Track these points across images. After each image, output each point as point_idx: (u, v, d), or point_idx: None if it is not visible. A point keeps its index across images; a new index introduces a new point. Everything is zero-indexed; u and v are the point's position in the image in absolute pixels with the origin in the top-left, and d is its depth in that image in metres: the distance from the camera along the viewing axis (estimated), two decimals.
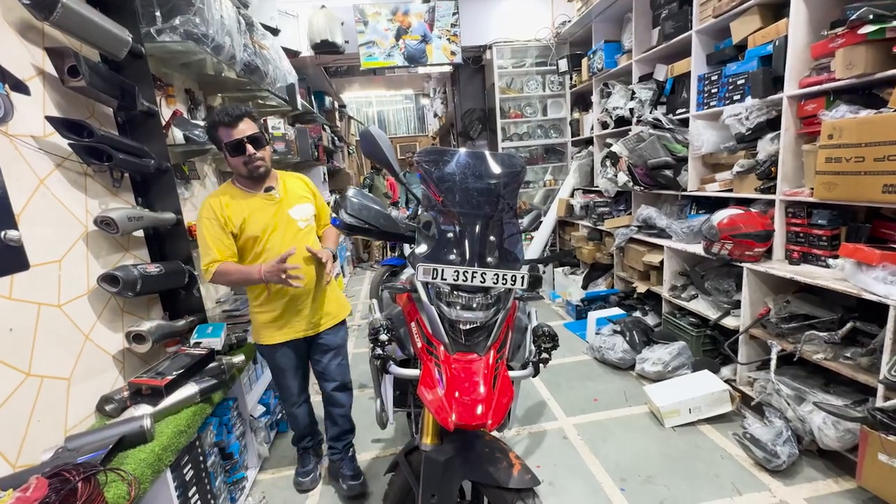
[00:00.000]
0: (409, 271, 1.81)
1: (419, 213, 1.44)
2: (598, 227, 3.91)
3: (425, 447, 1.20)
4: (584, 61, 4.15)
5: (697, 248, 2.62)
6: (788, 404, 2.02)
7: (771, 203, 2.30)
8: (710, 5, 2.57)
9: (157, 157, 1.93)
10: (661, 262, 3.00)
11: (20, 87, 1.40)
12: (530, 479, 1.14)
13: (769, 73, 2.21)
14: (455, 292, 1.21)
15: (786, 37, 2.10)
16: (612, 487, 1.98)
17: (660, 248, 3.02)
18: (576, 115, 4.69)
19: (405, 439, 2.31)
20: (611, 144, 3.57)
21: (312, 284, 1.88)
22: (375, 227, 1.35)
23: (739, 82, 2.43)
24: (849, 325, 1.90)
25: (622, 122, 3.57)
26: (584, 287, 4.07)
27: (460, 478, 1.17)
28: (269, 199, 1.81)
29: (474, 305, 1.20)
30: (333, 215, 1.74)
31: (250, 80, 2.86)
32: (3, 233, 1.28)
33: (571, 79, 4.63)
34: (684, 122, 2.94)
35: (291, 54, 4.20)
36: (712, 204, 2.82)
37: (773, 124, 2.30)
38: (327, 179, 5.46)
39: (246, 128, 1.69)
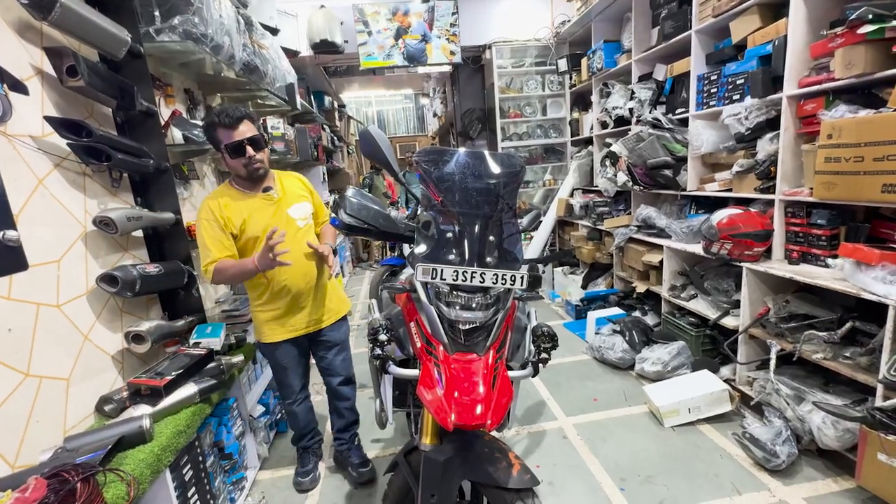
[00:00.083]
0: (408, 271, 1.81)
1: (418, 212, 1.44)
2: (598, 227, 3.91)
3: (425, 447, 1.20)
4: (584, 61, 4.14)
5: (697, 248, 2.62)
6: (788, 404, 2.02)
7: (770, 203, 2.30)
8: (709, 5, 2.57)
9: (155, 157, 1.92)
10: (661, 262, 3.00)
11: (18, 87, 1.40)
12: (530, 478, 1.14)
13: (768, 72, 2.21)
14: (454, 292, 1.21)
15: (785, 36, 2.10)
16: (611, 487, 1.98)
17: (659, 247, 3.02)
18: (575, 114, 4.69)
19: (404, 439, 2.31)
20: (610, 144, 3.57)
21: (314, 281, 1.89)
22: (375, 227, 1.35)
23: (739, 82, 2.43)
24: (848, 325, 1.91)
25: (622, 121, 3.57)
26: (584, 287, 4.07)
27: (460, 478, 1.17)
28: (267, 199, 1.82)
29: (473, 305, 1.20)
30: (333, 215, 1.74)
31: (249, 79, 2.86)
32: (1, 233, 1.27)
33: (571, 78, 4.63)
34: (684, 122, 2.94)
35: (291, 54, 4.20)
36: (712, 204, 2.82)
37: (772, 124, 2.30)
38: (326, 179, 5.45)
39: (246, 129, 1.69)
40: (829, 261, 2.04)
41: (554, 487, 2.00)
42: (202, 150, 2.42)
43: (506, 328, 1.26)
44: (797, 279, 2.02)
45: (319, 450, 2.27)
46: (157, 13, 1.96)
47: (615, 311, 3.43)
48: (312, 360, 2.11)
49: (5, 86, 1.36)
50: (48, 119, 1.53)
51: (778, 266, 2.19)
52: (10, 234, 1.30)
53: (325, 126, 5.46)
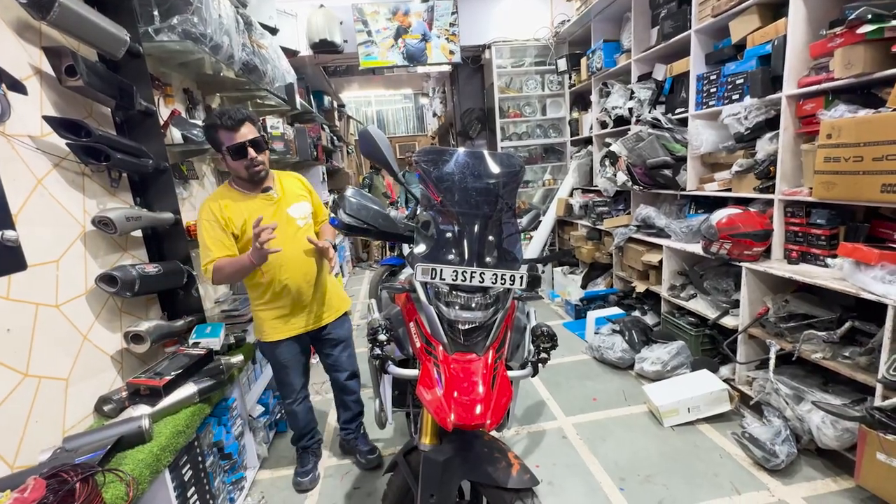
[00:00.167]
0: (407, 271, 1.81)
1: (418, 212, 1.44)
2: (597, 227, 3.91)
3: (424, 447, 1.20)
4: (583, 61, 4.14)
5: (696, 248, 2.62)
6: (787, 403, 2.02)
7: (770, 202, 2.30)
8: (708, 5, 2.57)
9: (155, 157, 1.92)
10: (660, 262, 3.00)
11: (17, 87, 1.40)
12: (529, 478, 1.14)
13: (768, 72, 2.21)
14: (454, 292, 1.20)
15: (784, 36, 2.10)
16: (611, 487, 1.98)
17: (659, 247, 3.02)
18: (575, 114, 4.69)
19: (404, 439, 2.31)
20: (610, 144, 3.57)
21: (314, 279, 1.91)
22: (374, 226, 1.34)
23: (738, 82, 2.43)
24: (847, 325, 1.91)
25: (621, 121, 3.57)
26: (584, 286, 4.07)
27: (459, 478, 1.17)
28: (267, 199, 1.82)
29: (473, 305, 1.20)
30: (332, 215, 1.75)
31: (249, 79, 2.86)
32: (0, 233, 1.27)
33: (570, 78, 4.63)
34: (683, 122, 2.94)
35: (290, 54, 4.20)
36: (711, 203, 2.82)
37: (771, 124, 2.30)
38: (326, 179, 5.45)
39: (248, 131, 1.70)
40: (829, 260, 2.04)
41: (553, 487, 2.00)
42: (201, 150, 2.42)
43: (505, 328, 1.26)
44: (796, 279, 2.02)
45: (319, 450, 2.27)
46: (156, 13, 1.96)
47: (615, 310, 3.43)
48: (312, 360, 2.11)
49: (4, 85, 1.36)
50: (47, 119, 1.53)
51: (777, 266, 2.19)
52: (9, 234, 1.29)
53: (324, 126, 5.45)
